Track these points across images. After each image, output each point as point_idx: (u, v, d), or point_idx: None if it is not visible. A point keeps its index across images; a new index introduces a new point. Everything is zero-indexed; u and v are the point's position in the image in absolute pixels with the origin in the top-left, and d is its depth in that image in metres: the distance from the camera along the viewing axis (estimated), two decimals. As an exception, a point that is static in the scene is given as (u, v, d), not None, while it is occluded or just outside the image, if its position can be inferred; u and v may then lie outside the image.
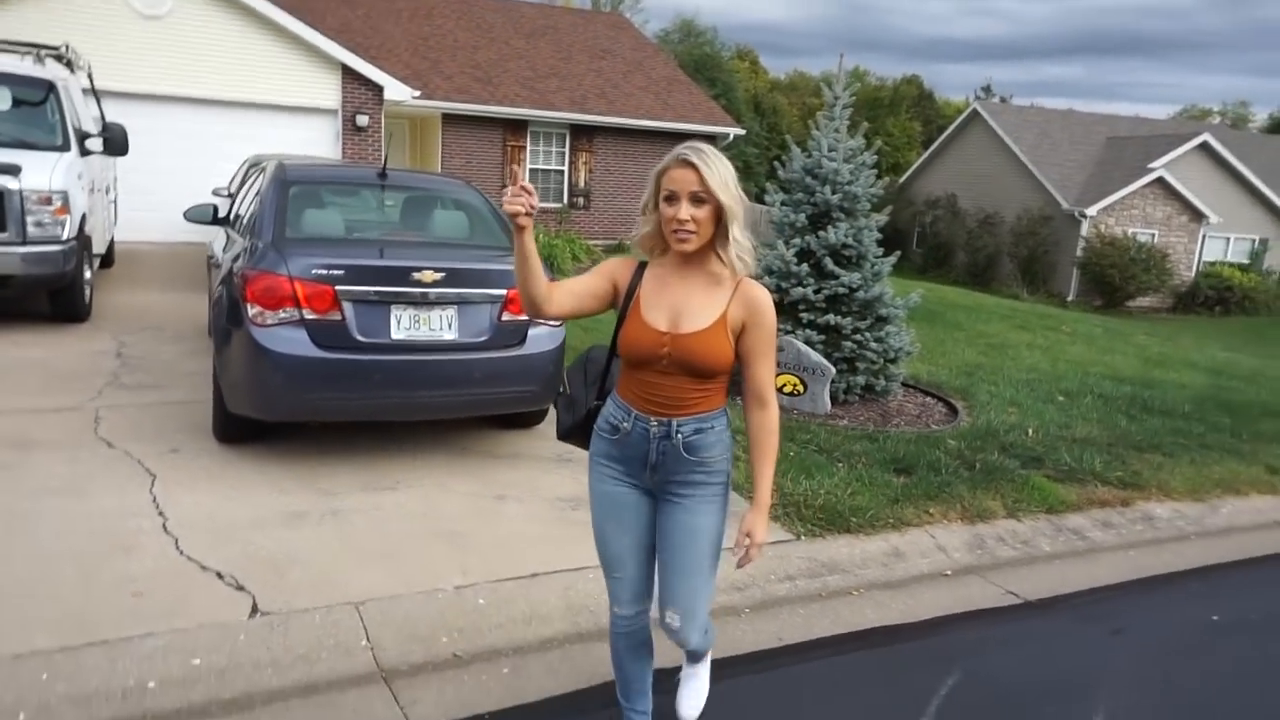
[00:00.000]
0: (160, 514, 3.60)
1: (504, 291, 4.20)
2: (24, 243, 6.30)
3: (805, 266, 6.45)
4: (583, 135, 16.86)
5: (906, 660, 3.21)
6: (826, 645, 3.27)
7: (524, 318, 4.29)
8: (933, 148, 29.22)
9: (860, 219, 6.57)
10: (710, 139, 17.90)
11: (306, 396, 3.89)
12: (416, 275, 3.96)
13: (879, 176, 6.73)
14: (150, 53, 11.73)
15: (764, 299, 2.13)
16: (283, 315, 3.82)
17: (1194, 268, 23.62)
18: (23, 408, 4.80)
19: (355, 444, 4.59)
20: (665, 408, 2.16)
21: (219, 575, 3.14)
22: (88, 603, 2.89)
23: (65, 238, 6.54)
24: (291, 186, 4.57)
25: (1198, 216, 23.35)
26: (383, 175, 4.85)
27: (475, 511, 3.93)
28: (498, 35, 18.68)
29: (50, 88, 7.46)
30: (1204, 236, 23.81)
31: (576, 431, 2.43)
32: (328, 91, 13.03)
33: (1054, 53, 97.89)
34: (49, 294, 6.79)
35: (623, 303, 2.21)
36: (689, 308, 2.12)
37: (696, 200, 2.02)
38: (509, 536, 3.71)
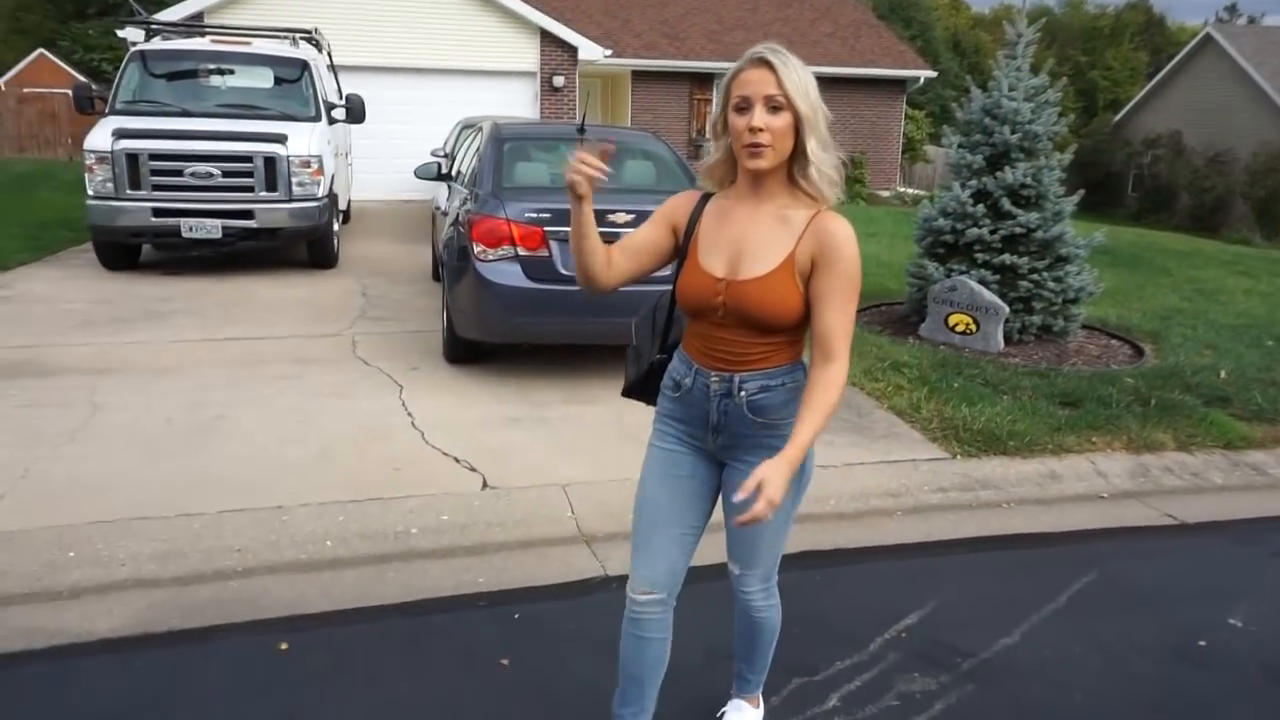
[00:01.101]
0: (409, 414, 4.46)
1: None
2: (290, 200, 7.53)
3: (981, 207, 6.51)
4: (768, 85, 16.98)
5: (1047, 561, 3.49)
6: (969, 544, 3.61)
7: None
8: (1155, 80, 26.70)
9: (1041, 158, 6.53)
10: (900, 83, 17.52)
11: (520, 321, 4.63)
12: (610, 217, 4.57)
13: (1063, 115, 6.63)
14: (374, 28, 13.11)
15: (841, 233, 1.79)
16: (501, 252, 4.56)
17: None
18: (299, 334, 5.91)
19: (559, 365, 5.32)
20: (727, 363, 1.89)
21: (456, 460, 3.93)
22: (364, 473, 3.74)
23: (320, 195, 7.73)
24: (505, 143, 5.31)
25: None
26: (581, 130, 5.47)
27: (659, 423, 4.54)
28: (681, -15, 19.03)
29: (305, 66, 8.72)
30: None
31: (639, 387, 2.15)
32: (527, 55, 14.00)
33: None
34: (307, 244, 8.05)
35: (682, 243, 1.94)
36: (750, 248, 1.83)
37: (773, 107, 1.73)
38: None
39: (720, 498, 2.04)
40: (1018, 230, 6.42)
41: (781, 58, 1.76)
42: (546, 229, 4.56)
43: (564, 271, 4.59)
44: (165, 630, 2.68)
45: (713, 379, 1.90)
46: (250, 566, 3.05)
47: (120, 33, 12.91)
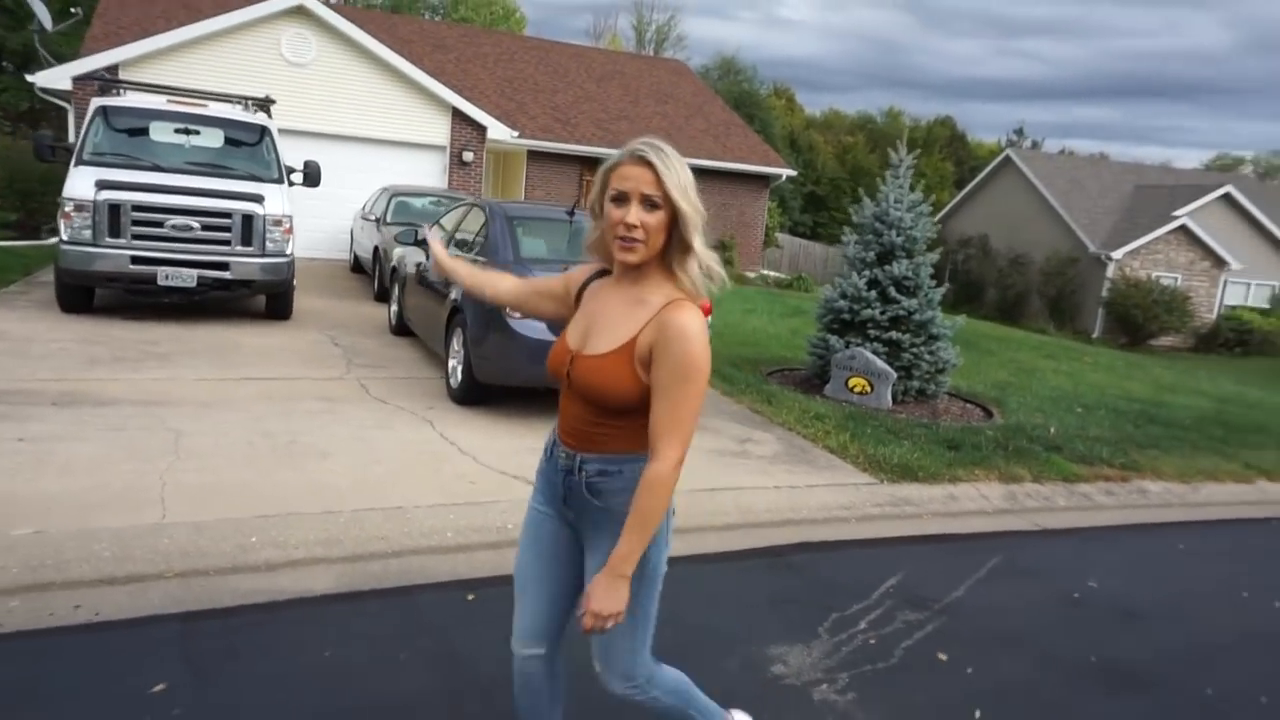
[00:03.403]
0: (450, 443, 5.29)
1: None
2: (263, 255, 8.10)
3: (873, 293, 8.10)
4: (651, 172, 18.68)
5: (964, 551, 4.81)
6: (908, 540, 4.88)
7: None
8: (966, 190, 30.83)
9: (918, 256, 8.22)
10: (764, 179, 19.72)
11: (541, 369, 5.59)
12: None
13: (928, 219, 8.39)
14: (296, 95, 13.67)
15: (680, 324, 1.77)
16: (530, 311, 5.53)
17: (1215, 310, 24.96)
18: (306, 376, 6.55)
19: (550, 404, 6.28)
20: (574, 439, 1.95)
21: (514, 476, 4.82)
22: (447, 484, 4.57)
23: (289, 253, 8.34)
24: (514, 221, 6.32)
25: (1220, 263, 24.73)
26: (571, 214, 6.58)
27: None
28: (572, 79, 20.64)
29: (264, 131, 9.33)
30: (1225, 281, 25.17)
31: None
32: (439, 130, 14.95)
33: (1087, 94, 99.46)
34: (267, 296, 8.57)
35: (571, 309, 2.05)
36: (601, 326, 1.89)
37: (649, 204, 1.78)
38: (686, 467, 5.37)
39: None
40: (901, 313, 8.03)
41: (662, 157, 1.78)
42: (569, 294, 5.60)
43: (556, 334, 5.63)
44: (370, 589, 3.46)
45: (561, 454, 1.98)
46: (397, 550, 3.85)
47: (31, 77, 12.79)
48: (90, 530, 3.56)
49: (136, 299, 8.00)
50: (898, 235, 8.13)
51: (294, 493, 4.20)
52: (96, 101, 8.85)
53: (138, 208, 7.58)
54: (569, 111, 18.91)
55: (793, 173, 20.53)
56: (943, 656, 3.43)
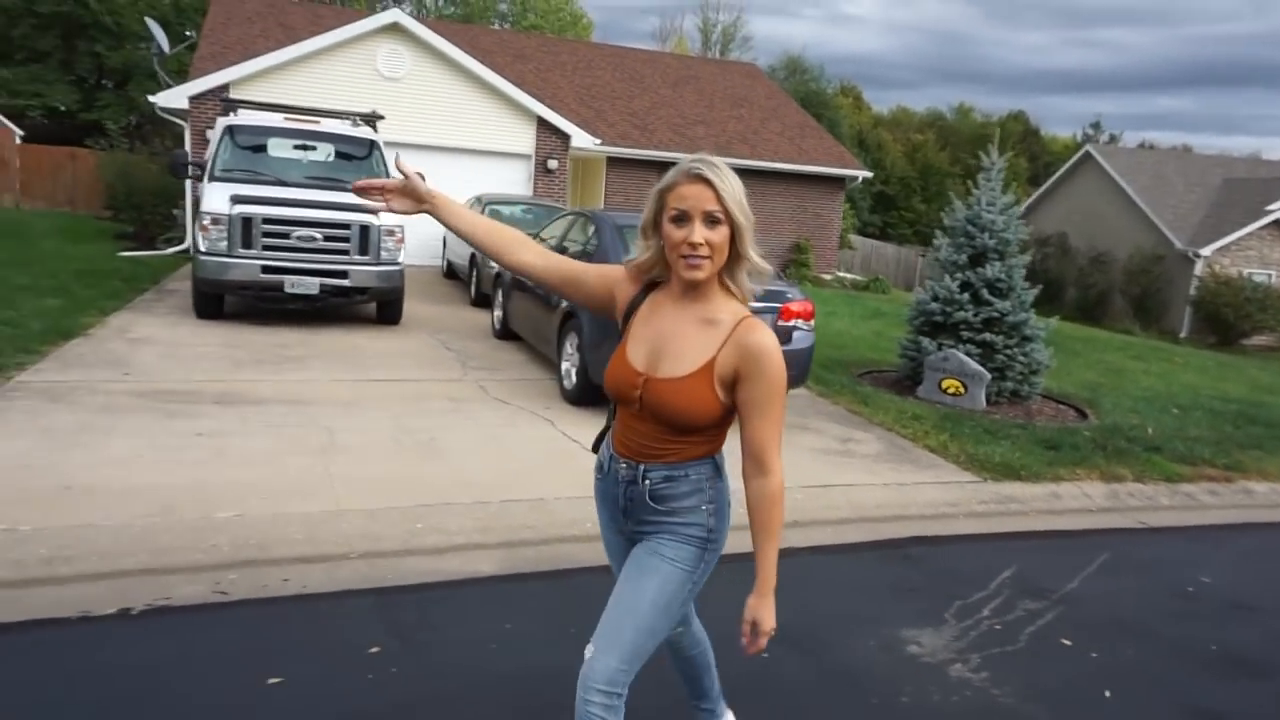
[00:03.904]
0: (573, 440, 5.65)
1: (779, 305, 6.17)
2: (379, 264, 8.61)
3: (966, 295, 8.22)
4: (727, 176, 18.91)
5: (1071, 548, 4.96)
6: (1016, 535, 5.05)
7: (792, 323, 6.24)
8: (1044, 188, 30.23)
9: (1010, 259, 8.31)
10: (839, 180, 19.77)
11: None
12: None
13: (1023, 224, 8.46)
14: (390, 108, 14.26)
15: (765, 345, 1.83)
16: (645, 316, 5.86)
17: (1311, 308, 24.02)
18: (428, 378, 6.99)
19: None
20: (637, 454, 1.95)
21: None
22: (580, 477, 4.91)
23: (401, 261, 8.84)
24: (623, 230, 6.66)
25: (1316, 258, 23.80)
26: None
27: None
28: (648, 85, 20.99)
29: (373, 145, 9.89)
30: (1322, 278, 24.20)
31: (599, 444, 2.19)
32: (525, 139, 15.43)
33: (1165, 84, 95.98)
34: (379, 303, 9.09)
35: (620, 327, 2.02)
36: (672, 348, 1.88)
37: (711, 221, 1.79)
38: (795, 464, 5.63)
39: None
40: (994, 314, 8.13)
41: (717, 173, 1.80)
42: (681, 299, 5.91)
43: (693, 333, 5.93)
44: (531, 571, 3.81)
45: (622, 466, 1.97)
46: (545, 538, 4.20)
47: (152, 97, 13.67)
48: (281, 515, 3.99)
49: (264, 305, 8.58)
50: (990, 238, 8.24)
51: (444, 484, 4.59)
52: (223, 121, 9.52)
53: (268, 220, 8.15)
54: (646, 117, 19.26)
55: (868, 174, 20.54)
56: (1067, 642, 3.63)
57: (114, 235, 15.88)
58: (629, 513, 2.01)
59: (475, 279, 11.10)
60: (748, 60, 54.89)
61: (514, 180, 15.52)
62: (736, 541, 2.11)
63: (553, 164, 15.44)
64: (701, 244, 1.79)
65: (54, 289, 9.34)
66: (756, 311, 5.52)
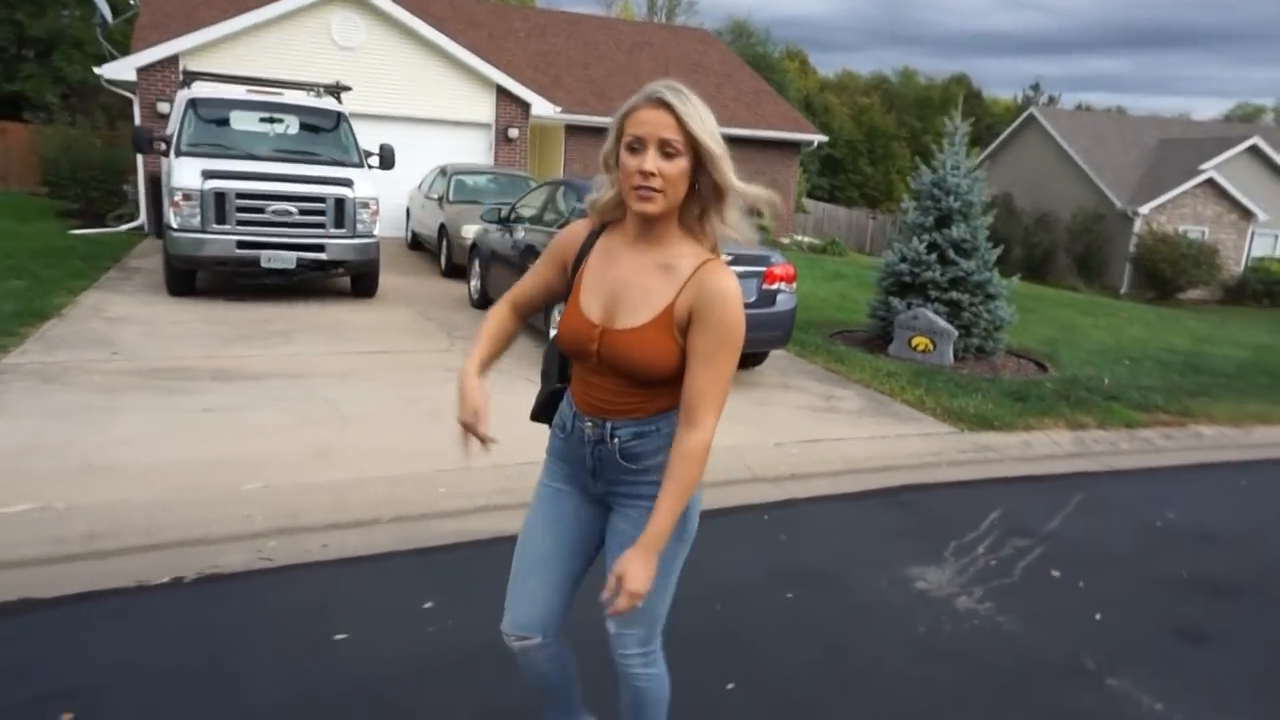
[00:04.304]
0: (571, 405, 5.80)
1: (763, 269, 6.37)
2: (354, 236, 8.59)
3: (933, 256, 8.52)
4: (685, 142, 19.00)
5: (1048, 491, 5.29)
6: (996, 482, 5.37)
7: (776, 285, 6.46)
8: (989, 150, 30.87)
9: (974, 220, 8.63)
10: (795, 146, 19.99)
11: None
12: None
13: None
14: (347, 78, 14.02)
15: (721, 287, 1.70)
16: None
17: (1243, 263, 25.13)
18: (419, 349, 7.06)
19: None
20: (601, 410, 1.84)
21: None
22: (584, 440, 5.08)
23: (376, 233, 8.82)
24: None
25: (1247, 215, 24.87)
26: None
27: (759, 405, 6.10)
28: (603, 52, 20.89)
29: (340, 117, 9.79)
30: (1253, 233, 25.31)
31: (542, 411, 2.09)
32: (484, 108, 15.33)
33: (1099, 45, 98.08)
34: (354, 276, 9.07)
35: (570, 279, 1.89)
36: (629, 296, 1.76)
37: (667, 152, 1.65)
38: (786, 422, 5.87)
39: (608, 548, 1.94)
40: (960, 274, 8.46)
41: (681, 98, 1.66)
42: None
43: (683, 298, 6.11)
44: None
45: (588, 424, 1.85)
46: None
47: (98, 69, 13.23)
48: (305, 484, 4.10)
49: (240, 281, 8.51)
50: (955, 200, 8.54)
51: (456, 450, 4.71)
52: (185, 94, 9.32)
53: (241, 195, 8.06)
54: (603, 84, 19.20)
55: (823, 139, 20.82)
56: (1055, 574, 3.94)
57: (57, 213, 15.39)
58: (598, 473, 1.88)
59: (446, 250, 11.09)
60: (694, 25, 54.63)
61: (474, 149, 15.42)
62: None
63: (513, 133, 15.37)
64: (654, 173, 1.65)
65: (14, 269, 9.11)
66: (741, 276, 5.72)
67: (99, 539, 3.46)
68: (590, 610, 2.00)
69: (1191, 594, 3.88)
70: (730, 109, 19.83)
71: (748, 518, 4.37)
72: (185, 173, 8.10)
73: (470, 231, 9.97)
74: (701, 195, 1.73)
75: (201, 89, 9.61)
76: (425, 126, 14.85)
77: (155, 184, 12.82)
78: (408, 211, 13.84)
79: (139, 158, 13.56)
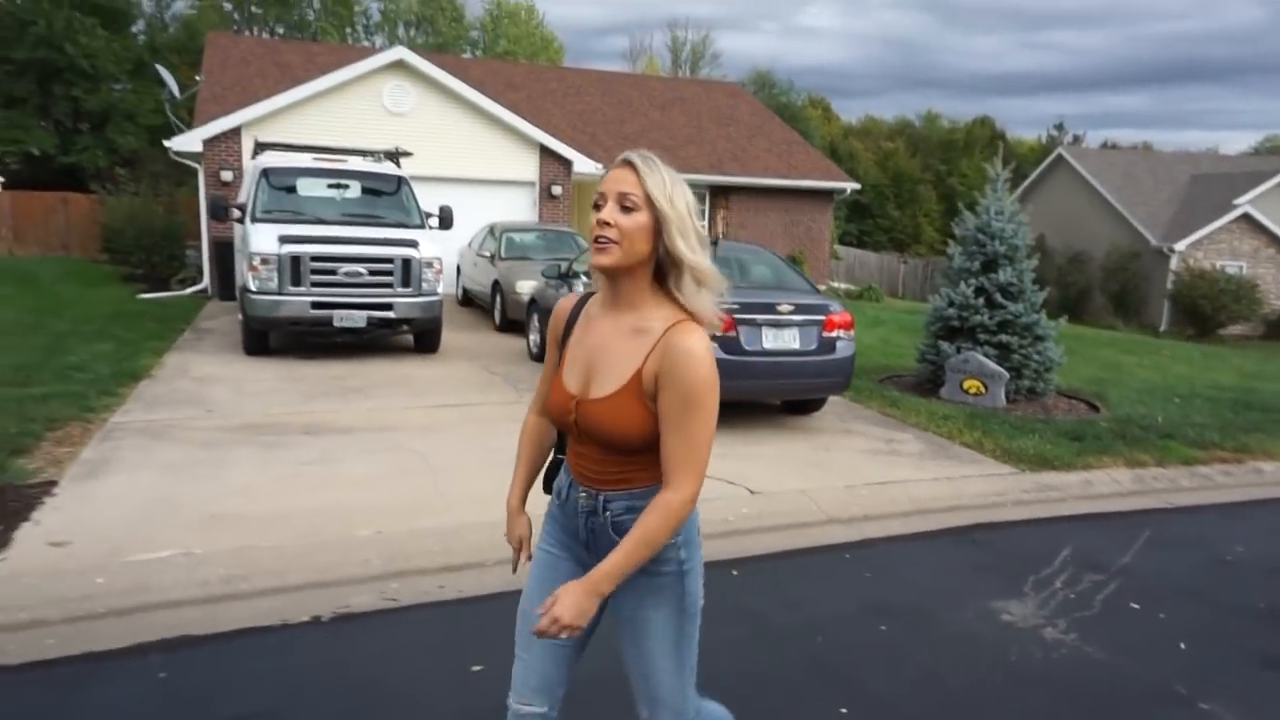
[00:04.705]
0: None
1: (823, 317, 6.63)
2: (420, 295, 8.98)
3: (981, 300, 8.73)
4: (720, 194, 19.48)
5: (1113, 527, 5.42)
6: (1064, 520, 5.50)
7: (835, 333, 6.70)
8: (1018, 192, 31.08)
9: (1020, 263, 8.84)
10: (829, 194, 20.35)
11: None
12: (779, 308, 6.40)
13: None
14: (398, 142, 14.67)
15: (686, 347, 1.68)
16: (703, 333, 6.28)
17: (1283, 297, 24.95)
18: (489, 401, 7.37)
19: (740, 418, 7.01)
20: (591, 480, 1.85)
21: (728, 481, 5.55)
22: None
23: (440, 292, 9.22)
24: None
25: (1284, 248, 24.75)
26: (715, 243, 7.34)
27: (823, 450, 6.30)
28: (637, 108, 21.53)
29: (401, 180, 10.28)
30: (1291, 267, 25.15)
31: (546, 483, 2.07)
32: (529, 167, 15.88)
33: (1119, 83, 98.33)
34: (417, 333, 9.44)
35: (560, 347, 1.92)
36: (602, 364, 1.78)
37: (625, 206, 1.70)
38: (851, 465, 6.07)
39: (616, 630, 1.93)
40: (1008, 317, 8.65)
41: (649, 162, 1.73)
42: (735, 316, 6.34)
43: (748, 348, 6.36)
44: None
45: (581, 495, 1.86)
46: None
47: (167, 142, 13.95)
48: (414, 531, 4.36)
49: (314, 340, 8.91)
50: (1000, 244, 8.77)
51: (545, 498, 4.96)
52: (258, 163, 9.86)
53: (316, 258, 8.50)
54: (638, 140, 19.75)
55: (856, 186, 21.19)
56: (1135, 606, 4.08)
57: (122, 278, 16.08)
58: (591, 545, 1.88)
59: (500, 305, 11.48)
60: (718, 77, 55.78)
61: (519, 206, 15.94)
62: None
63: (557, 190, 15.88)
64: (610, 224, 1.70)
65: (97, 333, 9.62)
66: (802, 324, 6.01)
67: (236, 581, 3.74)
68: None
69: (1271, 624, 3.99)
70: (763, 160, 20.30)
71: (829, 557, 4.56)
72: (262, 238, 8.56)
73: (526, 288, 10.35)
74: (666, 263, 1.75)
75: (272, 158, 10.15)
76: (472, 186, 15.40)
77: (219, 249, 13.43)
78: (458, 269, 14.30)
79: (203, 224, 14.20)
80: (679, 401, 1.67)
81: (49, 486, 4.67)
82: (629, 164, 1.74)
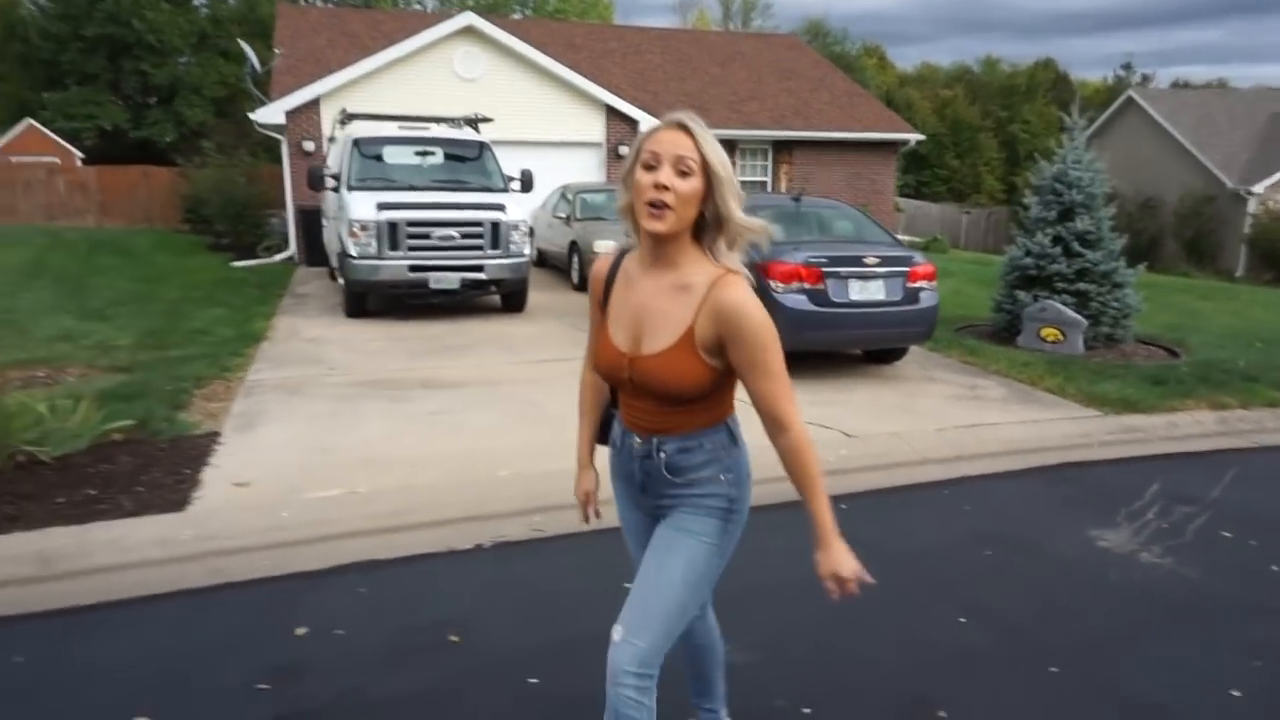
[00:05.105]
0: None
1: (907, 269, 6.86)
2: (508, 256, 9.39)
3: (1058, 249, 8.82)
4: (783, 149, 19.48)
5: (1200, 467, 5.62)
6: (1148, 459, 5.72)
7: (919, 284, 6.93)
8: (1084, 135, 30.30)
9: (1098, 212, 8.89)
10: (892, 145, 20.20)
11: (807, 335, 6.63)
12: (865, 260, 6.65)
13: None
14: (468, 107, 15.02)
15: (737, 305, 1.75)
16: (793, 286, 6.58)
17: (1368, 238, 24.06)
18: (581, 355, 7.75)
19: (824, 367, 7.32)
20: (645, 428, 1.94)
21: (821, 425, 5.87)
22: (763, 430, 5.66)
23: (527, 253, 9.61)
24: (755, 211, 7.36)
25: (1370, 188, 23.82)
26: (797, 199, 7.59)
27: (909, 397, 6.58)
28: (697, 65, 21.51)
29: (483, 146, 10.65)
30: (1377, 207, 24.22)
31: (603, 436, 2.20)
32: (595, 128, 16.13)
33: (1191, 15, 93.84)
34: (505, 294, 9.86)
35: (603, 303, 1.98)
36: (651, 321, 1.84)
37: (682, 171, 1.73)
38: (938, 410, 6.34)
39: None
40: (1086, 265, 8.73)
41: (700, 126, 1.76)
42: (824, 269, 6.61)
43: (836, 299, 6.64)
44: (778, 502, 4.57)
45: (635, 441, 1.95)
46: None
47: (252, 115, 14.52)
48: (547, 472, 4.78)
49: (411, 302, 9.40)
50: (1077, 193, 8.82)
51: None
52: (348, 133, 10.32)
53: (411, 224, 8.95)
54: (700, 97, 19.80)
55: (920, 137, 20.96)
56: (1227, 534, 4.33)
57: (208, 247, 16.84)
58: (647, 488, 1.99)
59: (578, 264, 11.85)
60: (769, 29, 54.79)
61: (587, 168, 16.22)
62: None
63: (624, 150, 16.10)
64: (667, 188, 1.72)
65: (206, 300, 10.26)
66: (887, 276, 6.27)
67: (401, 515, 4.21)
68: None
69: (1359, 550, 4.21)
70: (825, 113, 20.19)
71: (929, 493, 4.88)
72: (361, 206, 9.03)
73: (604, 247, 10.69)
74: (708, 224, 1.81)
75: (361, 128, 10.60)
76: (541, 149, 15.69)
77: (305, 216, 14.02)
78: (530, 230, 14.67)
79: (287, 193, 14.80)
80: (751, 352, 1.76)
81: (215, 437, 5.20)
82: (683, 127, 1.76)
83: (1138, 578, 3.79)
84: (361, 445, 5.13)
